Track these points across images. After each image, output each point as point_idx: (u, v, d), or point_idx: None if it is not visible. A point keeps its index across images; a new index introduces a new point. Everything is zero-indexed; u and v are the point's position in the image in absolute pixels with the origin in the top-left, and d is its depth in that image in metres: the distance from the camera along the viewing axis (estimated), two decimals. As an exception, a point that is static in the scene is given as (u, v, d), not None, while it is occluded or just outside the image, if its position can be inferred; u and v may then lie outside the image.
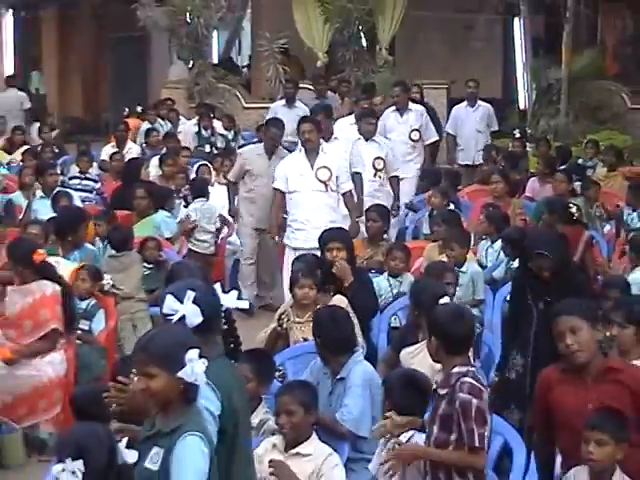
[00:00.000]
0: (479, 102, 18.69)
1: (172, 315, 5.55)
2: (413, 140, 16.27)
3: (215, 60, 24.82)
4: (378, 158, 14.05)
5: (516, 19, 21.52)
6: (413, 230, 14.18)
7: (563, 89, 20.19)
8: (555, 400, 6.35)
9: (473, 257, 11.18)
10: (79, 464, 4.96)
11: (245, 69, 26.53)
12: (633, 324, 7.33)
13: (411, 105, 16.73)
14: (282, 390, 7.31)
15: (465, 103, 18.74)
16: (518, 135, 18.61)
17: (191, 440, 5.13)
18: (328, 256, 9.80)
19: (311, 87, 20.78)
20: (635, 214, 12.96)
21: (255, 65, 25.10)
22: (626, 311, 7.45)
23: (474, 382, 6.21)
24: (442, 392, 6.24)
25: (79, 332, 10.35)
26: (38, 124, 21.75)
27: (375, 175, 13.96)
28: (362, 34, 22.35)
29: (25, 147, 18.49)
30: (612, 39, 24.42)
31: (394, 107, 16.57)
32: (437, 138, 17.24)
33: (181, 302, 5.53)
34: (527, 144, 18.36)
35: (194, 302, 5.54)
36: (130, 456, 5.19)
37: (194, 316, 5.52)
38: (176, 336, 5.38)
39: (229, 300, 5.91)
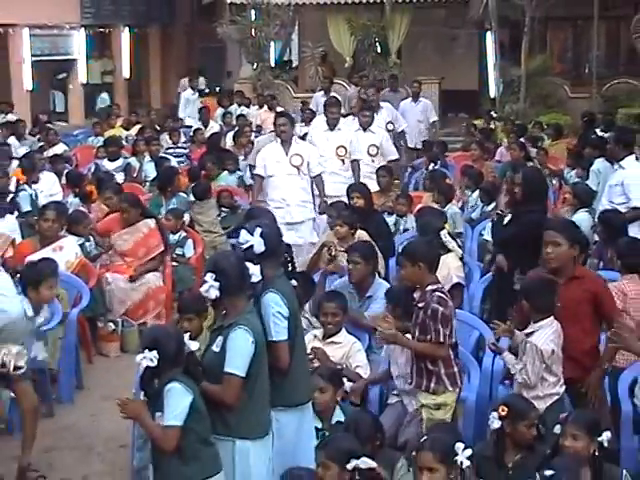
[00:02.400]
0: (421, 98, 17.85)
1: (244, 244, 5.61)
2: (388, 130, 13.93)
3: (272, 63, 24.61)
4: (372, 145, 12.33)
5: (488, 32, 21.34)
6: (414, 184, 14.14)
7: (522, 83, 20.10)
8: None
9: (454, 202, 11.18)
10: (154, 353, 5.04)
11: (294, 69, 26.30)
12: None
13: (382, 103, 14.95)
14: (326, 297, 7.39)
15: (410, 99, 17.64)
16: (494, 115, 18.70)
17: (240, 331, 5.25)
18: (351, 202, 9.77)
19: (341, 82, 20.77)
20: (573, 172, 12.90)
21: (301, 66, 25.05)
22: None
23: (443, 295, 6.18)
24: (421, 305, 6.20)
25: (175, 256, 10.70)
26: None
27: (371, 160, 12.23)
28: (377, 44, 22.35)
29: (138, 125, 18.57)
30: (557, 47, 24.23)
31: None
32: (406, 125, 15.40)
33: (252, 235, 5.57)
34: (496, 122, 18.36)
35: (260, 235, 5.57)
36: (193, 346, 5.29)
37: (259, 245, 5.56)
38: (207, 262, 5.68)
39: (289, 237, 5.92)
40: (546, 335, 6.10)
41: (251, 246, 5.65)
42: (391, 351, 6.86)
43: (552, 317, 6.18)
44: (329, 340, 7.08)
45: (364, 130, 12.56)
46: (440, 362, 6.18)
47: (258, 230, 5.63)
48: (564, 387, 6.18)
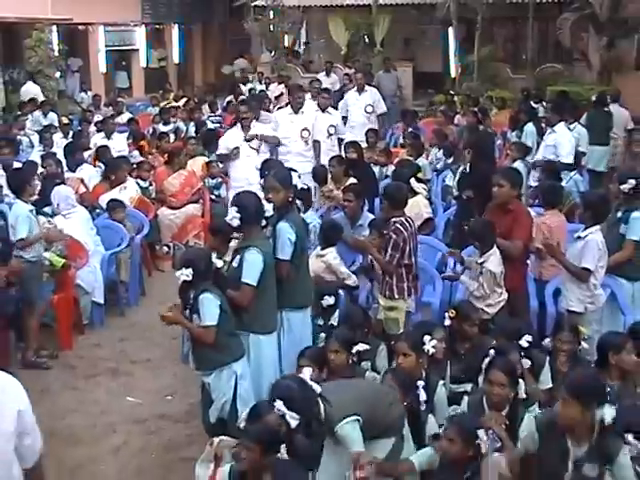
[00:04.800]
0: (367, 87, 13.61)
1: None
2: (367, 112, 12.50)
3: (287, 50, 24.26)
4: (331, 125, 10.44)
5: (450, 28, 20.97)
6: (394, 142, 13.98)
7: (475, 66, 19.77)
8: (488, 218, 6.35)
9: (424, 156, 11.00)
10: (189, 270, 4.99)
11: (302, 55, 25.88)
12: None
13: (367, 87, 12.97)
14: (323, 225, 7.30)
15: (354, 88, 13.30)
16: (453, 92, 18.48)
17: (253, 251, 5.27)
18: (347, 155, 9.52)
19: (338, 65, 20.48)
20: (513, 134, 12.70)
21: (307, 53, 24.69)
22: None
23: (399, 226, 6.10)
24: (385, 232, 6.19)
25: (212, 197, 10.63)
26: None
27: (328, 137, 10.40)
28: (366, 36, 21.97)
29: (185, 98, 18.46)
30: (501, 39, 23.79)
31: (355, 88, 12.81)
32: (385, 110, 13.21)
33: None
34: (455, 97, 18.12)
35: None
36: (219, 263, 5.26)
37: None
38: (232, 198, 5.62)
39: (295, 179, 5.87)
40: (494, 261, 6.07)
41: (295, 186, 5.79)
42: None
43: (495, 247, 6.13)
44: (320, 252, 6.99)
45: (322, 111, 10.61)
46: (394, 276, 6.15)
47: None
48: (506, 294, 6.16)
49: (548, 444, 4.21)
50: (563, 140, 9.95)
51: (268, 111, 11.79)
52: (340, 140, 10.45)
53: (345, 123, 11.54)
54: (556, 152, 9.80)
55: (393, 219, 6.16)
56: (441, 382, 5.15)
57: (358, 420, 4.20)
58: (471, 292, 6.14)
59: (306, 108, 10.44)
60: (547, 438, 4.23)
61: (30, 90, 16.94)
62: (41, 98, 16.57)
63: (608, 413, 4.00)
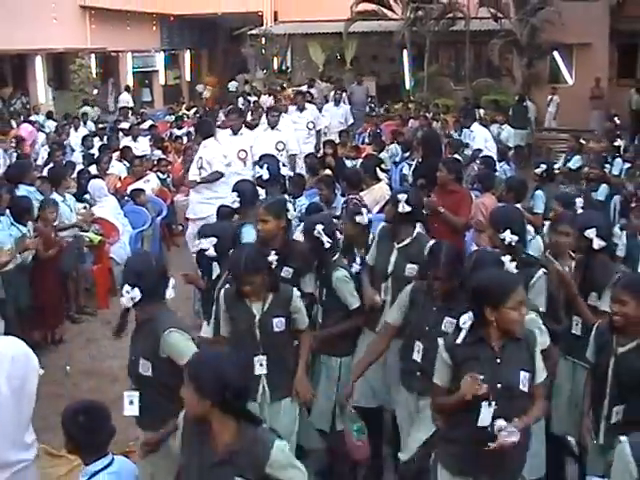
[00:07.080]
0: (341, 104, 13.68)
1: (257, 174, 5.63)
2: (309, 128, 11.04)
3: (276, 69, 23.95)
4: (279, 142, 8.93)
5: (405, 50, 20.75)
6: (362, 140, 13.82)
7: (425, 80, 19.67)
8: (436, 199, 6.18)
9: (385, 150, 10.94)
10: (213, 249, 4.59)
11: (289, 73, 25.54)
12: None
13: (307, 105, 11.40)
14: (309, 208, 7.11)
15: (332, 103, 13.18)
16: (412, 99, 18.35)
17: (249, 227, 5.04)
18: (324, 151, 9.38)
19: (317, 80, 20.21)
20: (456, 134, 12.50)
21: (293, 72, 24.39)
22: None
23: (357, 202, 6.02)
24: (345, 206, 6.09)
25: None
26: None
27: (278, 153, 8.49)
28: (339, 56, 21.74)
29: (195, 108, 18.27)
30: (445, 59, 23.47)
31: (296, 106, 11.29)
32: (323, 127, 11.89)
33: (261, 168, 5.48)
34: (409, 104, 17.95)
35: (267, 169, 5.69)
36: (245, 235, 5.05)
37: (265, 174, 5.69)
38: (232, 187, 5.35)
39: (285, 171, 5.81)
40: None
41: (260, 175, 5.55)
42: None
43: None
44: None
45: (272, 128, 9.05)
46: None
47: (265, 165, 5.58)
48: None
49: None
50: (477, 135, 10.25)
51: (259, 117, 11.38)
52: (292, 155, 9.08)
53: None
54: (486, 144, 9.89)
55: (350, 196, 6.14)
56: None
57: None
58: None
59: (245, 129, 8.92)
60: None
61: (124, 99, 18.20)
62: (130, 104, 17.80)
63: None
